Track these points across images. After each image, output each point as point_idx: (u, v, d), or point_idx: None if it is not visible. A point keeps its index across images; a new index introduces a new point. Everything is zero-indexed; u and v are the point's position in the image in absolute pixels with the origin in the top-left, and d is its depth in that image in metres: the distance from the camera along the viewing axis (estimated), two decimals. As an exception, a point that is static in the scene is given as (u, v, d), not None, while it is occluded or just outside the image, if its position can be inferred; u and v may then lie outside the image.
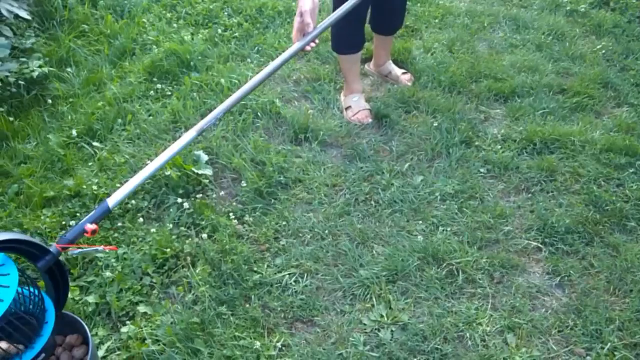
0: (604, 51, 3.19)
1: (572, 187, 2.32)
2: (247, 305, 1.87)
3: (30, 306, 1.36)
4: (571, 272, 1.97)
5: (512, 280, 1.96)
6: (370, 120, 2.72)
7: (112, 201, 1.59)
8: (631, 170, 2.38)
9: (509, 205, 2.26)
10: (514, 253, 2.06)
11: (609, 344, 1.73)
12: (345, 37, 2.62)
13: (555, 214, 2.18)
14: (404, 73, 3.03)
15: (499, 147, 2.54)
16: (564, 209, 2.21)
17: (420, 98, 2.83)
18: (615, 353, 1.71)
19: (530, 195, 2.31)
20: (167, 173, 2.29)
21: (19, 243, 1.34)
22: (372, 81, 3.06)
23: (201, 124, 1.78)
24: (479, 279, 1.95)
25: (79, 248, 1.50)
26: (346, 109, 2.77)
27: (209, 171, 2.36)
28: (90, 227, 1.47)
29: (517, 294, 1.91)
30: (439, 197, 2.28)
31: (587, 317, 1.82)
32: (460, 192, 2.30)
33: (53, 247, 1.42)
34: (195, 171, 2.33)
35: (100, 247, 1.55)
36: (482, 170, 2.43)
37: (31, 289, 1.36)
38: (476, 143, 2.56)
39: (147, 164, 1.77)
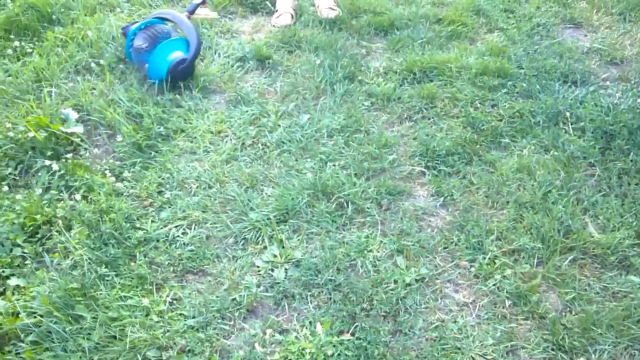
0: (476, -20, 3.27)
1: (451, 112, 2.39)
2: (132, 264, 1.78)
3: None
4: (453, 191, 2.05)
5: (399, 206, 2.00)
6: (289, 22, 2.88)
7: None
8: (504, 91, 2.48)
9: (393, 134, 2.29)
10: (399, 180, 2.10)
11: (490, 253, 1.83)
12: None
13: (437, 138, 2.24)
14: (331, 8, 2.99)
15: (381, 79, 2.56)
16: (444, 133, 2.28)
17: (302, 37, 2.78)
18: (496, 261, 1.81)
19: (412, 123, 2.36)
20: (31, 135, 2.09)
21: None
22: (253, 23, 2.95)
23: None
24: (368, 208, 1.98)
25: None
26: (276, 17, 2.97)
27: (79, 129, 2.18)
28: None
29: (405, 218, 1.96)
30: (325, 133, 2.27)
31: (470, 231, 1.90)
32: (346, 126, 2.30)
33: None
34: (64, 130, 2.15)
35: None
36: (366, 103, 2.44)
37: None
38: (359, 78, 2.56)
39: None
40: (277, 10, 2.99)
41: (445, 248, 1.87)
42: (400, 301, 1.69)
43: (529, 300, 1.68)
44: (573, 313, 1.66)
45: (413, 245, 1.86)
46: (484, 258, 1.82)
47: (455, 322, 1.65)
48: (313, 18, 2.93)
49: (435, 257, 1.84)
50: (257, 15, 3.10)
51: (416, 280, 1.75)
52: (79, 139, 2.17)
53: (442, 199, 2.03)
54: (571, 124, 2.30)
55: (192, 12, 2.66)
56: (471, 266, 1.82)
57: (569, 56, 2.71)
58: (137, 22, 2.56)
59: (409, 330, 1.62)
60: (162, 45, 2.44)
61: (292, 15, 2.90)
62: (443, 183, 2.08)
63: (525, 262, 1.80)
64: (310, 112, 2.38)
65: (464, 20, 2.91)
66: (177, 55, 2.45)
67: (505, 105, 2.40)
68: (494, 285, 1.74)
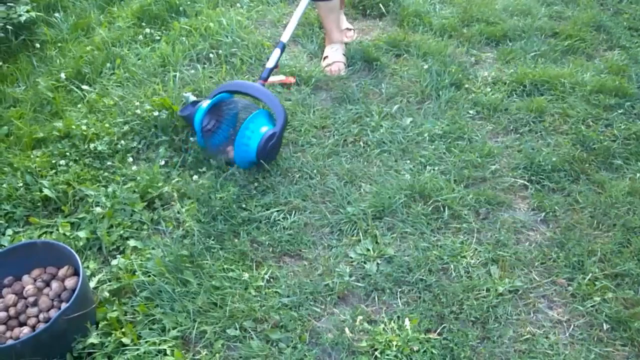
0: (598, -5, 3.16)
1: (561, 128, 2.33)
2: (236, 240, 1.90)
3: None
4: (556, 208, 2.00)
5: (498, 216, 1.99)
6: (343, 73, 2.65)
7: (285, 38, 2.32)
8: (620, 111, 2.38)
9: (497, 145, 2.27)
10: (500, 190, 2.08)
11: (590, 274, 1.77)
12: None
13: (543, 153, 2.19)
14: (348, 29, 2.94)
15: (489, 89, 2.54)
16: (552, 148, 2.22)
17: (411, 42, 2.81)
18: (596, 283, 1.75)
19: (518, 135, 2.32)
20: (156, 114, 2.29)
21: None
22: (363, 25, 3.02)
23: None
24: (465, 214, 1.98)
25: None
26: (324, 58, 2.72)
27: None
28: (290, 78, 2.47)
29: (502, 229, 1.94)
30: (427, 137, 2.29)
31: (570, 249, 1.86)
32: (448, 132, 2.31)
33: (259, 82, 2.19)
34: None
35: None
36: (471, 112, 2.43)
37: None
38: (466, 86, 2.56)
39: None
40: (327, 57, 2.72)
41: (542, 263, 1.83)
42: (490, 309, 1.68)
43: (629, 327, 1.62)
44: (677, 346, 1.58)
45: (509, 256, 1.84)
46: (584, 278, 1.77)
47: (547, 337, 1.62)
48: (423, 23, 2.95)
49: (532, 271, 1.81)
50: (367, 18, 3.17)
51: (509, 291, 1.73)
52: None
53: (543, 214, 1.99)
54: (693, 152, 2.17)
55: (266, 79, 2.28)
56: (569, 285, 1.78)
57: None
58: (198, 101, 2.23)
59: (498, 339, 1.61)
60: (247, 123, 2.07)
61: (345, 65, 2.70)
62: (546, 198, 2.03)
63: (629, 288, 1.73)
64: (414, 115, 2.41)
65: (582, 36, 2.81)
66: (264, 130, 2.09)
67: (620, 126, 2.30)
68: (592, 306, 1.69)
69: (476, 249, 1.87)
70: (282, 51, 2.36)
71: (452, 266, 1.82)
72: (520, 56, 2.71)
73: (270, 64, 2.29)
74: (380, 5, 3.14)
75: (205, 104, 2.15)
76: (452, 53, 2.75)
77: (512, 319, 1.67)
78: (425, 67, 2.63)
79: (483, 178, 2.13)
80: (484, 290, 1.73)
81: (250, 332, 1.62)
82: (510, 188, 2.10)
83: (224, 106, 2.24)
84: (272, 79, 2.39)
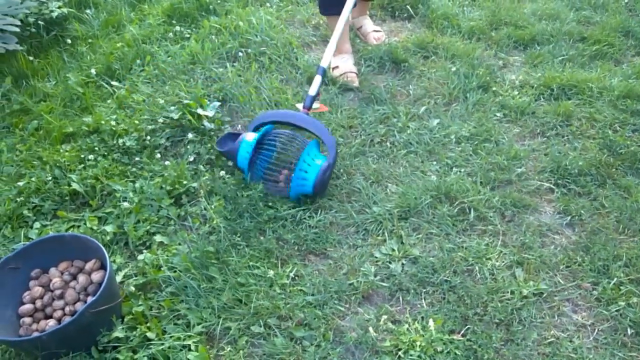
0: (626, 1, 3.11)
1: (588, 132, 2.31)
2: (262, 238, 1.92)
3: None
4: (582, 212, 1.99)
5: (523, 219, 1.98)
6: (356, 84, 2.61)
7: (325, 63, 2.23)
8: (649, 117, 2.36)
9: (524, 148, 2.26)
10: (526, 193, 2.07)
11: (616, 278, 1.76)
12: None
13: (569, 157, 2.18)
14: (375, 31, 2.91)
15: (516, 92, 2.53)
16: (578, 152, 2.21)
17: (439, 44, 2.81)
18: (621, 287, 1.74)
19: (545, 139, 2.31)
20: (183, 113, 2.33)
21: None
22: (392, 26, 3.03)
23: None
24: (490, 217, 1.98)
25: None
26: (334, 68, 2.66)
27: (219, 112, 2.39)
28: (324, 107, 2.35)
29: (528, 231, 1.93)
30: (454, 139, 2.29)
31: (595, 254, 1.84)
32: (475, 135, 2.30)
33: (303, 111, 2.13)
34: (205, 113, 2.34)
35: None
36: (498, 114, 2.42)
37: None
38: (493, 88, 2.55)
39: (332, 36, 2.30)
40: (337, 67, 2.65)
41: (567, 267, 1.82)
42: (515, 312, 1.68)
43: (656, 334, 1.60)
44: None
45: (534, 259, 1.83)
46: (609, 282, 1.76)
47: (571, 341, 1.61)
48: (451, 26, 2.95)
49: (556, 275, 1.80)
50: (396, 20, 3.17)
51: (534, 294, 1.73)
52: (220, 121, 2.37)
53: (569, 218, 1.98)
54: None
55: (310, 107, 2.17)
56: (593, 289, 1.76)
57: None
58: (237, 133, 2.16)
59: (522, 341, 1.61)
60: (304, 156, 1.99)
61: (357, 75, 2.64)
62: (572, 202, 2.02)
63: (656, 294, 1.71)
64: (441, 117, 2.41)
65: (610, 41, 2.78)
66: (320, 163, 2.00)
67: (649, 131, 2.28)
68: (616, 311, 1.68)
69: (501, 251, 1.87)
70: (323, 77, 2.27)
71: (477, 268, 1.82)
72: (548, 60, 2.69)
73: (312, 92, 2.18)
74: (409, 7, 3.15)
75: (249, 137, 2.05)
76: (480, 56, 2.74)
77: (537, 321, 1.66)
78: (453, 69, 2.63)
79: (509, 181, 2.12)
80: (508, 292, 1.73)
81: (274, 330, 1.64)
82: (536, 191, 2.09)
83: (265, 137, 2.13)
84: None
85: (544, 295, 1.73)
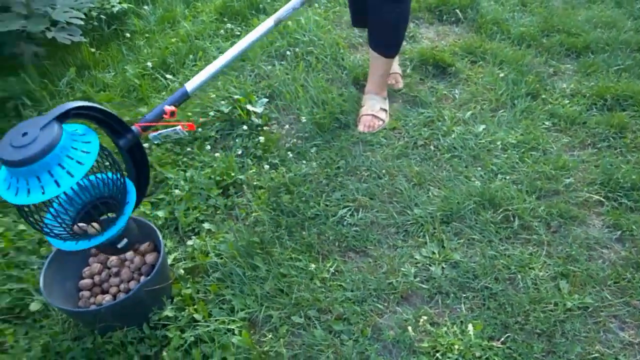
0: (690, 11, 3.02)
1: (642, 145, 2.26)
2: (304, 232, 1.95)
3: (114, 189, 1.34)
4: (633, 227, 1.94)
5: (570, 231, 1.94)
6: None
7: (190, 86, 1.71)
8: None
9: (573, 158, 2.22)
10: (573, 205, 2.03)
11: (666, 298, 1.71)
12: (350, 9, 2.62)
13: (622, 169, 2.13)
14: (399, 74, 2.63)
15: (567, 101, 2.48)
16: (631, 166, 2.15)
17: (488, 49, 2.79)
18: (671, 307, 1.69)
19: (596, 150, 2.26)
20: (233, 106, 2.38)
21: (104, 115, 1.33)
22: (439, 30, 3.02)
23: (278, 14, 1.92)
24: (535, 226, 1.95)
25: (157, 130, 1.56)
26: (362, 105, 2.48)
27: (267, 108, 2.43)
28: (169, 108, 1.55)
29: (574, 244, 1.90)
30: (500, 146, 2.27)
31: (646, 271, 1.80)
32: (522, 142, 2.28)
33: (134, 127, 1.45)
34: (254, 109, 2.40)
35: (178, 127, 1.56)
36: (547, 123, 2.38)
37: (113, 174, 1.33)
38: (543, 96, 2.51)
39: (223, 54, 1.89)
40: (364, 106, 2.45)
41: (615, 283, 1.78)
42: (558, 324, 1.65)
43: None
44: None
45: (580, 272, 1.80)
46: (659, 301, 1.71)
47: (616, 358, 1.58)
48: (501, 31, 2.92)
49: (603, 290, 1.76)
50: (443, 24, 3.16)
51: (578, 308, 1.70)
52: (267, 117, 2.42)
53: (619, 232, 1.93)
54: None
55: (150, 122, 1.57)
56: (642, 307, 1.72)
57: None
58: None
59: (564, 354, 1.58)
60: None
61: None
62: (622, 217, 1.97)
63: None
64: (487, 122, 2.39)
65: (671, 52, 2.70)
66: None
67: None
68: (666, 331, 1.64)
69: (545, 262, 1.84)
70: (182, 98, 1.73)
71: (519, 276, 1.80)
72: (602, 69, 2.63)
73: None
74: (458, 11, 3.13)
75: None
76: (530, 62, 2.70)
77: (581, 336, 1.63)
78: (502, 75, 2.60)
79: (556, 191, 2.09)
80: (551, 303, 1.70)
81: (314, 321, 1.67)
82: (584, 203, 2.05)
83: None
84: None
85: (590, 309, 1.70)
